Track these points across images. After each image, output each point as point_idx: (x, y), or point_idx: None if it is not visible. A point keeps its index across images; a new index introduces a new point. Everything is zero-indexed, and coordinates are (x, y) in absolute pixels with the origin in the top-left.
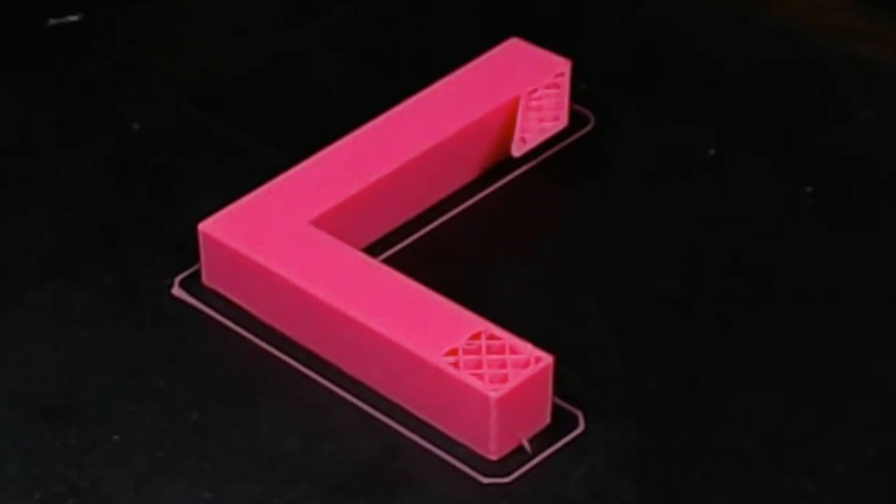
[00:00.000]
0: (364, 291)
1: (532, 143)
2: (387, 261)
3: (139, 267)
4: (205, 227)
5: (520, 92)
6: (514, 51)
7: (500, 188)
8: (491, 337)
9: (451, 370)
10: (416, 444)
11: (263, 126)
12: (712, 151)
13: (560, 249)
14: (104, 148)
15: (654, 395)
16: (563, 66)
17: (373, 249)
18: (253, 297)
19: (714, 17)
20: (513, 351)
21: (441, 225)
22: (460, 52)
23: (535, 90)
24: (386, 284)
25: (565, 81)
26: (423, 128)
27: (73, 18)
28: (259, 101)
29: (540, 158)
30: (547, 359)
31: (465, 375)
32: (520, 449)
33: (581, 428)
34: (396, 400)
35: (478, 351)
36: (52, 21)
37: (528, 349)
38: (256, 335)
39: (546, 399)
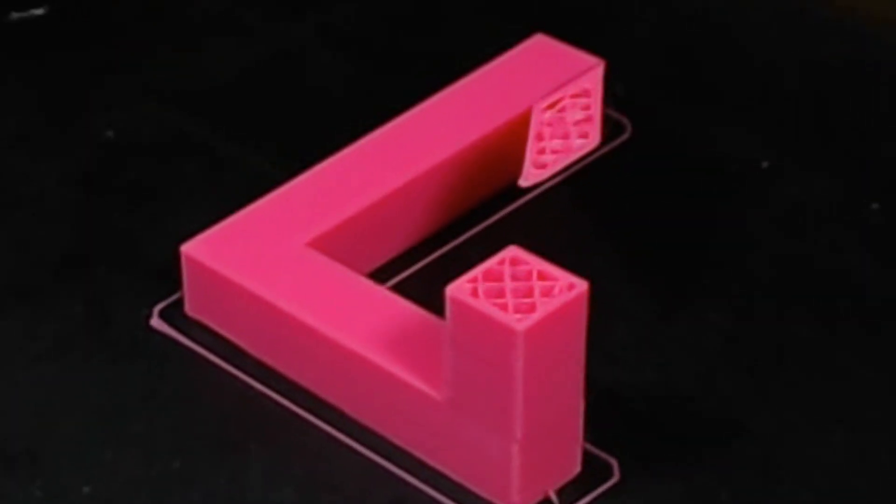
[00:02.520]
0: (368, 323)
1: (550, 170)
2: (394, 288)
3: (113, 295)
4: (188, 249)
5: (547, 97)
6: (539, 49)
7: (522, 207)
8: None
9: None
10: (426, 495)
11: (255, 134)
12: (765, 163)
13: (590, 275)
14: (73, 159)
15: (700, 442)
16: (594, 66)
17: (378, 275)
18: (242, 329)
19: (767, 10)
20: None
21: (455, 248)
22: (477, 52)
23: (554, 103)
24: (392, 315)
25: (597, 85)
26: (435, 138)
27: (38, 12)
28: (250, 106)
29: (567, 173)
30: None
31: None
32: (546, 502)
33: (616, 478)
34: (404, 445)
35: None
36: (15, 15)
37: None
38: (246, 372)
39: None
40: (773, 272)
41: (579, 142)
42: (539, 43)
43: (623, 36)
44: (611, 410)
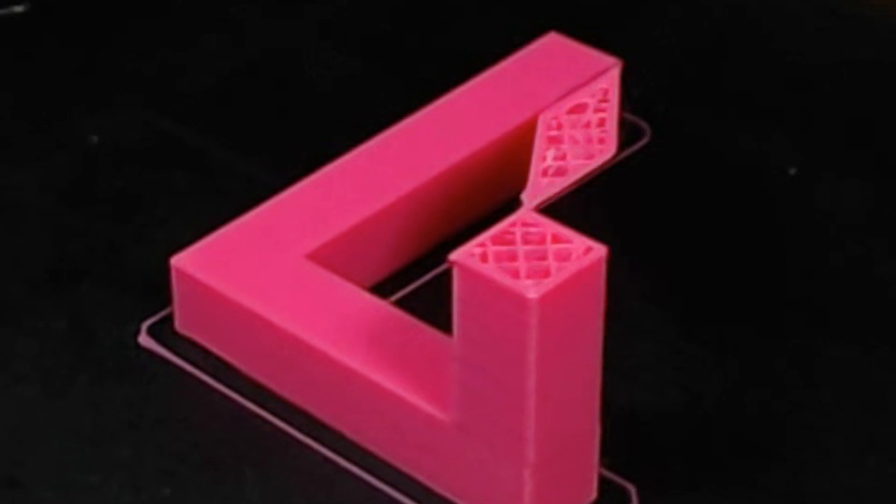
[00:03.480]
0: (370, 340)
1: (556, 187)
2: (398, 303)
3: (99, 310)
4: (178, 261)
5: (557, 103)
6: (552, 49)
7: None
8: None
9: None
10: None
11: (249, 139)
12: (793, 171)
13: (608, 289)
14: (55, 166)
15: (724, 468)
16: (611, 67)
17: (381, 289)
18: (236, 347)
19: (797, 7)
20: None
21: None
22: (486, 51)
23: (565, 110)
24: (396, 332)
25: (614, 88)
26: (441, 143)
27: (19, 9)
28: (244, 109)
29: (581, 181)
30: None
31: None
32: None
33: None
34: (409, 471)
35: None
36: None
37: None
38: (240, 392)
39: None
40: (803, 286)
41: (593, 151)
42: (552, 42)
43: (642, 34)
44: (629, 433)
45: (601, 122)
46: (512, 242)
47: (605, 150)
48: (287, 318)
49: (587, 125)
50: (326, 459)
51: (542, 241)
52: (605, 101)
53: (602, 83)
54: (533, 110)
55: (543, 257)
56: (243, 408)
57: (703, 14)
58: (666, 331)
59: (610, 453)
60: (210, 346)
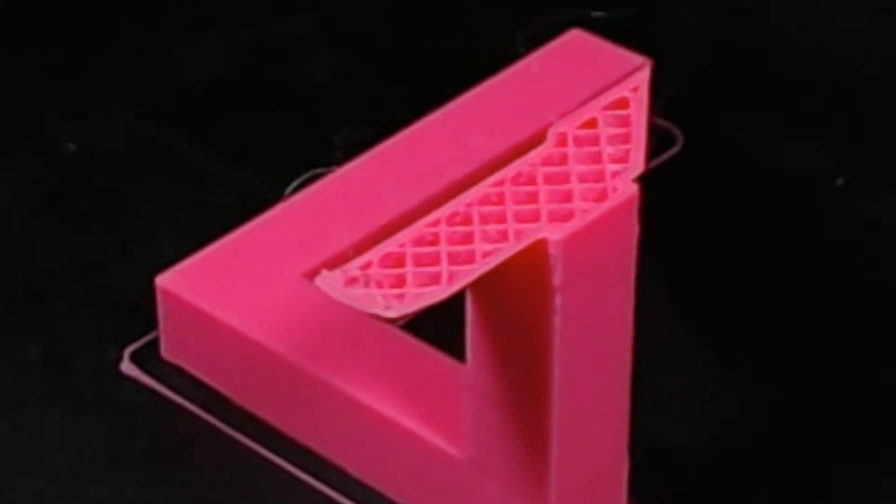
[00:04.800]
0: (375, 368)
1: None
2: (406, 327)
3: (76, 335)
4: (164, 281)
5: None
6: (574, 47)
7: None
8: None
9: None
10: None
11: (242, 146)
12: (840, 180)
13: (638, 312)
14: (29, 175)
15: None
16: (640, 67)
17: None
18: (228, 375)
19: (842, 6)
20: None
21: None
22: (501, 51)
23: (584, 122)
24: (404, 358)
25: (643, 90)
26: (451, 152)
27: None
28: (235, 114)
29: None
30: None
31: None
32: None
33: None
34: None
35: None
36: None
37: None
38: (232, 425)
39: None
40: (850, 307)
41: (615, 168)
42: (575, 39)
43: (673, 30)
44: (659, 470)
45: (624, 138)
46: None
47: (631, 168)
48: (284, 343)
49: (597, 159)
50: (328, 499)
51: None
52: (630, 107)
53: (629, 85)
54: (553, 117)
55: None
56: (236, 442)
57: (738, 9)
58: (699, 357)
59: (639, 493)
60: (199, 374)
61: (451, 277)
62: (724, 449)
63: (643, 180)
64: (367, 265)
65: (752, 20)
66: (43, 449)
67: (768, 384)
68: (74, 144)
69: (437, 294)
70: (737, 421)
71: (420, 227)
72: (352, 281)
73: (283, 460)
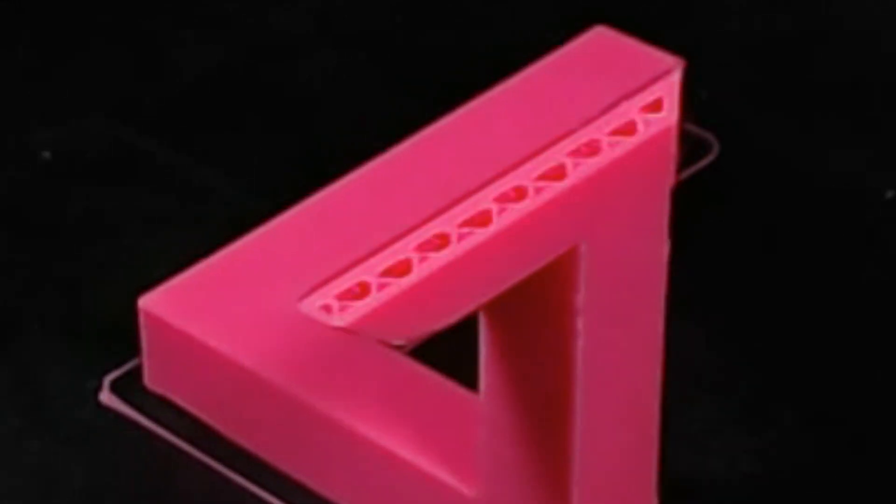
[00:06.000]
0: (379, 398)
1: None
2: (412, 354)
3: (51, 362)
4: (147, 303)
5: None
6: (599, 45)
7: None
8: None
9: None
10: None
11: (232, 155)
12: (890, 193)
13: (667, 336)
14: (1, 185)
15: None
16: (671, 68)
17: None
18: (216, 406)
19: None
20: None
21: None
22: (518, 50)
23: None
24: (411, 388)
25: (674, 94)
26: (460, 163)
27: None
28: (224, 120)
29: None
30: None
31: None
32: None
33: None
34: None
35: None
36: None
37: None
38: (221, 460)
39: None
40: None
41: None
42: (599, 37)
43: (707, 29)
44: None
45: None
46: None
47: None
48: (278, 371)
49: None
50: None
51: None
52: (662, 110)
53: (659, 89)
54: (575, 123)
55: None
56: (226, 479)
57: (778, 6)
58: (737, 387)
59: None
60: (186, 404)
61: (462, 297)
62: (763, 489)
63: (675, 191)
64: (367, 285)
65: (795, 12)
66: (17, 487)
67: (814, 417)
68: (49, 153)
69: (447, 316)
70: (778, 458)
71: (428, 237)
72: (349, 304)
73: (277, 499)
